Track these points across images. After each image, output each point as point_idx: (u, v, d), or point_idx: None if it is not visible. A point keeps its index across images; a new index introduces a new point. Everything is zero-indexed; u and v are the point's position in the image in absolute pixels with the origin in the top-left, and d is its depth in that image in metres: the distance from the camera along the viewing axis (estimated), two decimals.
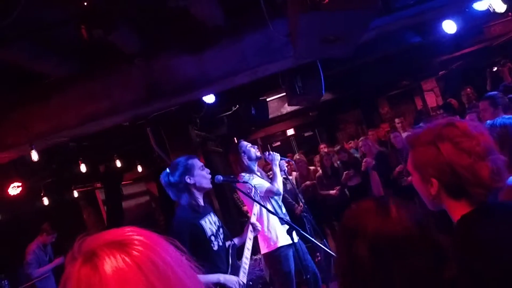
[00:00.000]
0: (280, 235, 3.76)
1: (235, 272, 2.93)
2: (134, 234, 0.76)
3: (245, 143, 4.18)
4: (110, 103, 4.79)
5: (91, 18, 2.73)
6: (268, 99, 8.00)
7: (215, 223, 3.04)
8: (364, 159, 6.67)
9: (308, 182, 7.42)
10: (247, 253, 3.06)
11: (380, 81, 9.26)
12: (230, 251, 3.05)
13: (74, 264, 0.72)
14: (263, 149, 12.29)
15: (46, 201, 7.95)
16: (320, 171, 7.30)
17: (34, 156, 4.56)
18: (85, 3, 2.66)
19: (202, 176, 3.03)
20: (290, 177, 7.34)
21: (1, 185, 6.38)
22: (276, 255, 3.80)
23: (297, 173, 7.51)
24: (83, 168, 7.05)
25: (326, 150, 8.37)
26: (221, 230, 3.07)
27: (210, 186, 3.08)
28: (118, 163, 8.16)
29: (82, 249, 0.74)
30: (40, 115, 4.78)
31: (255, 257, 6.30)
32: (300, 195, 5.57)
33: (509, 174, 1.52)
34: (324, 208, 7.03)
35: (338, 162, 7.42)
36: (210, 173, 3.10)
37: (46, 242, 6.32)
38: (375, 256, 1.05)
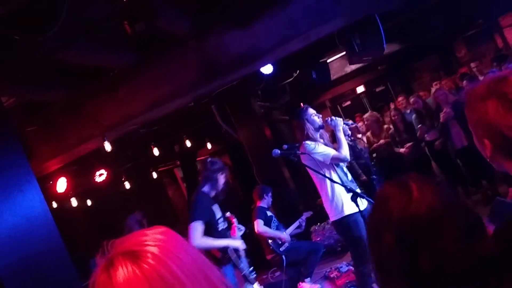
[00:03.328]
0: (346, 203, 3.67)
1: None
2: (150, 245, 0.82)
3: (310, 111, 3.98)
4: (171, 87, 4.93)
5: (132, 13, 2.78)
6: (329, 60, 7.74)
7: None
8: (444, 110, 6.21)
9: (381, 141, 7.14)
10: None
11: (451, 22, 8.41)
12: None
13: (99, 267, 0.82)
14: (332, 111, 11.99)
15: (127, 185, 8.57)
16: (392, 128, 6.98)
17: (108, 146, 4.86)
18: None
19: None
20: (363, 137, 7.12)
21: (88, 174, 6.96)
22: (344, 222, 3.73)
23: (370, 132, 7.26)
24: (156, 151, 7.41)
25: (401, 101, 7.78)
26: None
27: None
28: (188, 143, 8.46)
29: (107, 253, 0.83)
30: (109, 107, 5.07)
31: None
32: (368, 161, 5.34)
33: None
34: (400, 167, 6.73)
35: (413, 116, 6.99)
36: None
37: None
38: (402, 246, 0.98)
